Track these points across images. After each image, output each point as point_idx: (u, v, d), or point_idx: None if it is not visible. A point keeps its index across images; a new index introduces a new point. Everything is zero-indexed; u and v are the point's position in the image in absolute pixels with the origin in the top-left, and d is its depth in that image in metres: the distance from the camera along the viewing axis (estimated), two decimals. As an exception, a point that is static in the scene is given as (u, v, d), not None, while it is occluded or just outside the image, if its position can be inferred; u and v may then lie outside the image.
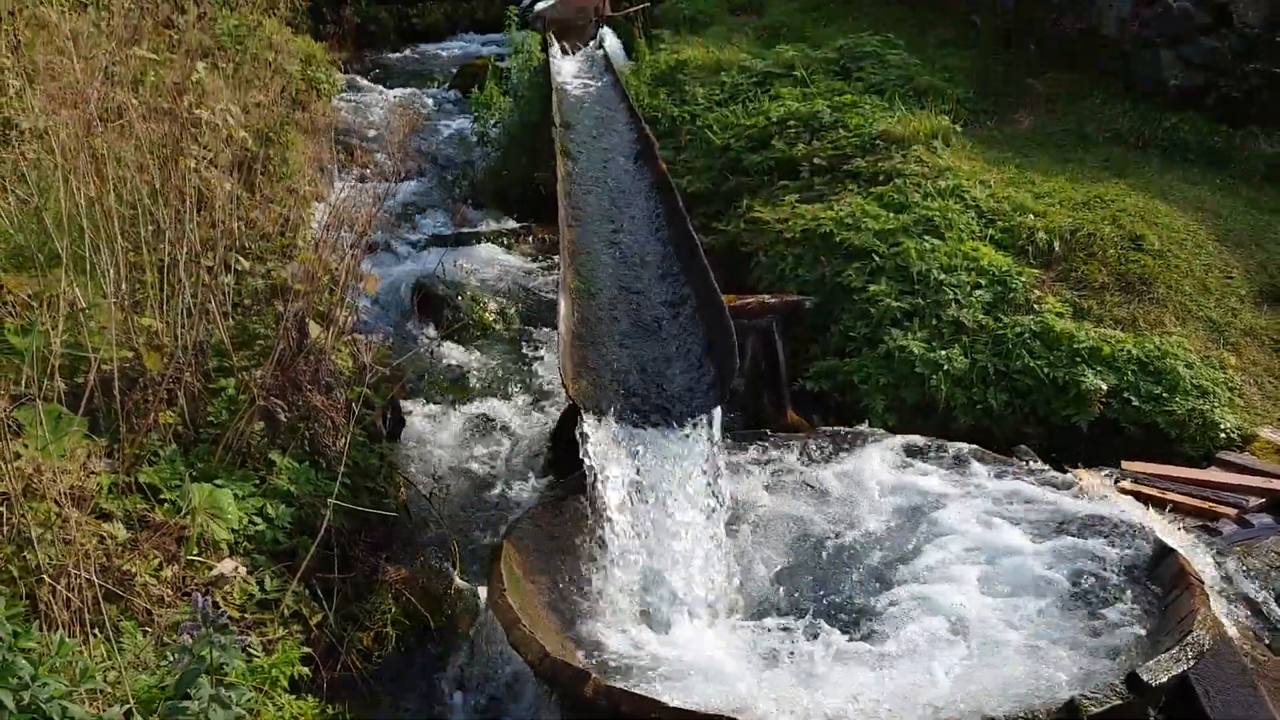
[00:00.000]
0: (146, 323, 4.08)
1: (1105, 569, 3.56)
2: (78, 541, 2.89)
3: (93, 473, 3.24)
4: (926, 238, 5.88)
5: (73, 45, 5.12)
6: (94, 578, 2.82)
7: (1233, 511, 4.26)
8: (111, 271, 3.86)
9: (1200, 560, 3.74)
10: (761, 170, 7.18)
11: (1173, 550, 3.52)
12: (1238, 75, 7.26)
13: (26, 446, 3.20)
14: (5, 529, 2.93)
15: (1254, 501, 4.32)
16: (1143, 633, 3.20)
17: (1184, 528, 4.12)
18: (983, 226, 6.13)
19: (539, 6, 12.40)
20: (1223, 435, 4.86)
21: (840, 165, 6.94)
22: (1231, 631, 3.43)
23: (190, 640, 2.28)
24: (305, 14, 11.93)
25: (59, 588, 2.76)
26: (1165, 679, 2.74)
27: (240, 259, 4.98)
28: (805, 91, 8.15)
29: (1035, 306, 5.44)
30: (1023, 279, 5.60)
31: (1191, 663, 2.86)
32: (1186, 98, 7.50)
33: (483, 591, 4.05)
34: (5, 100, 5.26)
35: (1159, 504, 4.32)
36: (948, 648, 3.31)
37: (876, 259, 5.76)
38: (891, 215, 6.15)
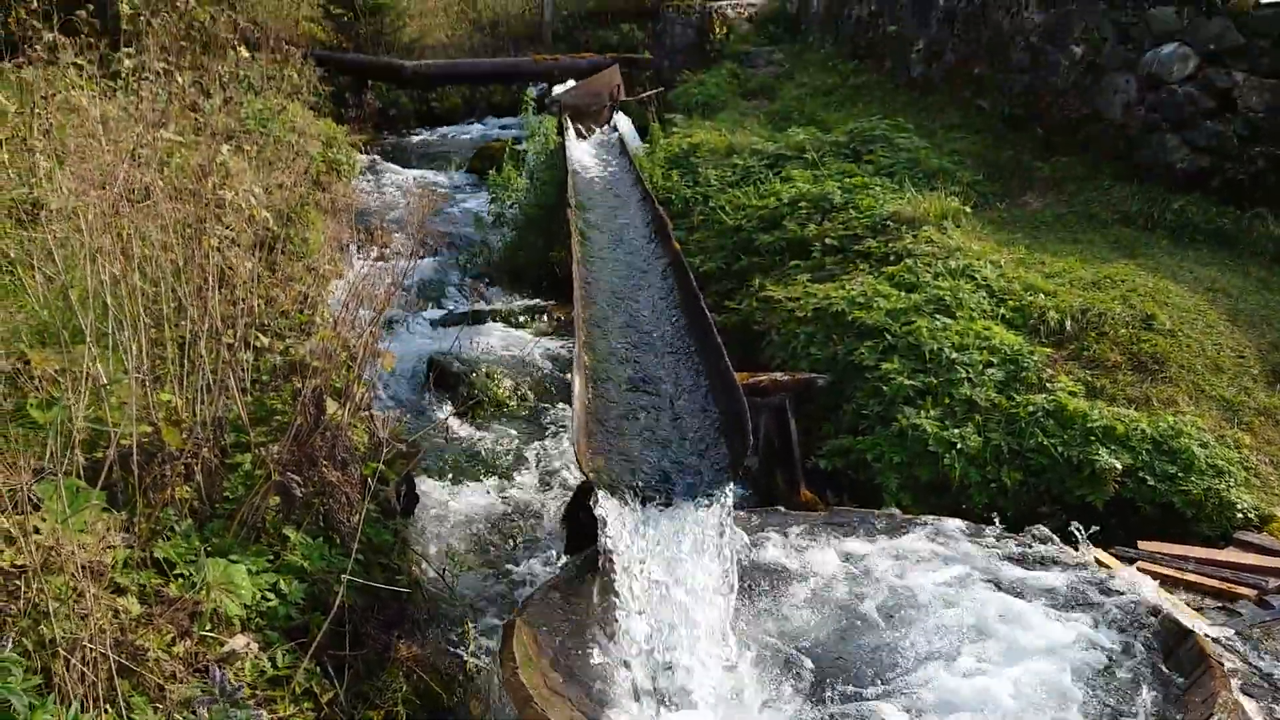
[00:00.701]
0: (166, 398, 4.14)
1: (1123, 651, 3.52)
2: (93, 615, 2.90)
3: (110, 546, 3.26)
4: (938, 316, 5.93)
5: (102, 129, 5.29)
6: (108, 652, 2.82)
7: (1252, 593, 4.21)
8: (133, 348, 3.93)
9: (1220, 642, 3.69)
10: (773, 250, 7.28)
11: (1192, 632, 3.48)
12: (1243, 159, 7.37)
13: (45, 520, 3.23)
14: (22, 602, 2.94)
15: (1273, 582, 4.27)
16: (1164, 717, 3.15)
17: (1203, 609, 4.07)
18: (994, 306, 6.18)
19: (556, 91, 12.70)
20: (1240, 515, 4.82)
21: (851, 245, 7.04)
22: (1254, 716, 3.37)
23: (206, 714, 2.28)
24: (328, 98, 12.26)
25: (74, 661, 2.76)
26: (1187, 763, 2.70)
27: (260, 336, 5.06)
28: (816, 174, 8.30)
29: (1048, 385, 5.46)
30: (1035, 358, 5.62)
31: (1214, 747, 2.82)
32: (1193, 180, 7.61)
33: (495, 670, 4.02)
34: (36, 181, 5.41)
35: (1176, 584, 4.28)
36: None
37: (889, 337, 5.80)
38: (903, 294, 6.21)
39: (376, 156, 12.28)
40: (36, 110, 5.85)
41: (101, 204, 4.46)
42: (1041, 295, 6.22)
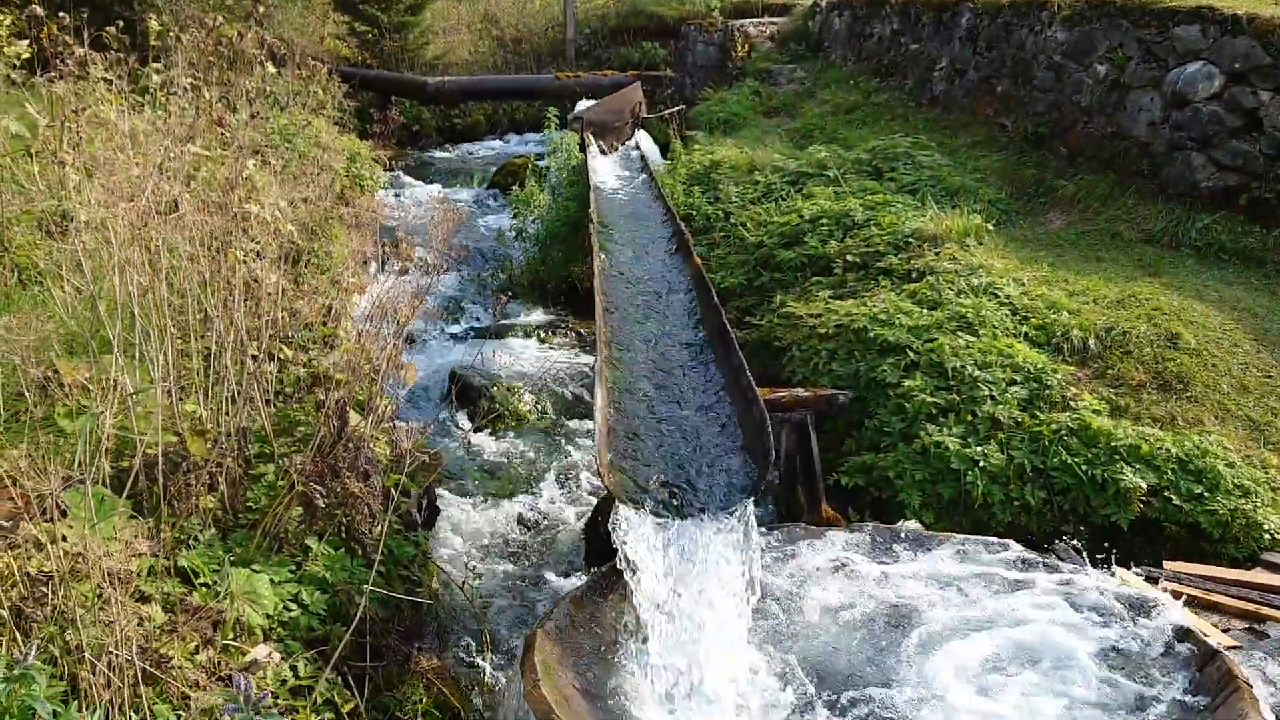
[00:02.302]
0: (191, 408, 4.17)
1: (1150, 671, 3.48)
2: (119, 623, 2.91)
3: (136, 554, 3.28)
4: (961, 334, 5.91)
5: (130, 142, 5.35)
6: (134, 659, 2.84)
7: (1280, 614, 4.16)
8: (160, 358, 3.97)
9: (1248, 664, 3.65)
10: (795, 267, 7.28)
11: (1218, 652, 3.44)
12: (1270, 178, 7.32)
13: (71, 527, 3.26)
14: (49, 609, 2.97)
15: (1302, 604, 4.22)
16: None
17: (1230, 630, 4.03)
18: (1017, 324, 6.16)
19: (578, 108, 12.77)
20: (1267, 536, 4.77)
21: (873, 262, 7.03)
22: (1283, 738, 3.33)
23: (230, 720, 2.29)
24: (352, 114, 12.37)
25: (100, 667, 2.77)
26: (1216, 785, 2.67)
27: (284, 348, 5.10)
28: (838, 191, 8.30)
29: (1071, 404, 5.42)
30: (1058, 376, 5.59)
31: (1243, 769, 2.78)
32: (1218, 199, 7.56)
33: (515, 682, 4.02)
34: (65, 193, 5.48)
35: (1203, 605, 4.23)
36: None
37: (911, 354, 5.79)
38: (925, 311, 6.19)
39: (399, 172, 12.36)
40: (66, 124, 5.93)
41: (130, 216, 4.52)
42: (1065, 313, 6.19)
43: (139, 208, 4.71)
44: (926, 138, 9.69)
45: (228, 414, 4.21)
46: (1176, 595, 4.19)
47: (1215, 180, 7.58)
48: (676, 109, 13.31)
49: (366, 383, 4.81)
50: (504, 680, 4.15)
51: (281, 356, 5.05)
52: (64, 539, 3.12)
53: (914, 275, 6.76)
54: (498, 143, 15.79)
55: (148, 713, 2.86)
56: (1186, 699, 3.34)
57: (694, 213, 8.64)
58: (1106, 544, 4.86)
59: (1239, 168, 7.47)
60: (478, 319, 8.27)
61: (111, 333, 3.88)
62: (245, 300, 4.82)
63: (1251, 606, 4.23)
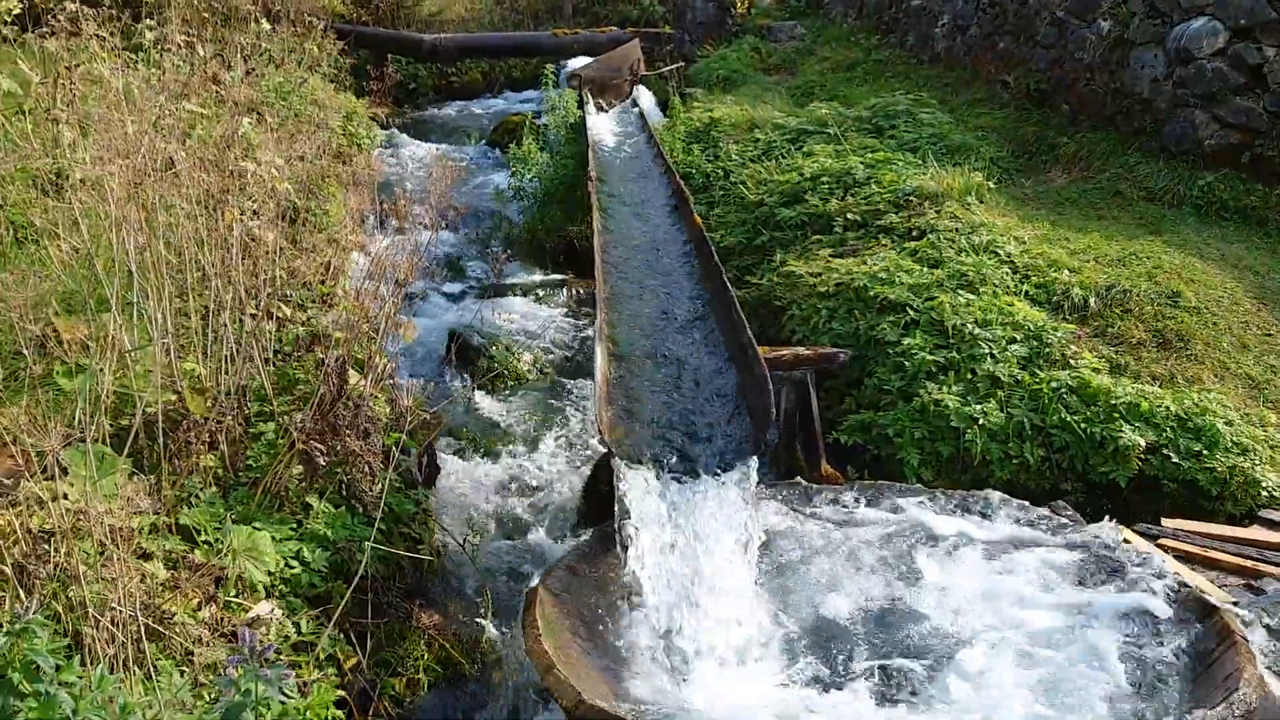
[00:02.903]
0: (190, 367, 4.17)
1: (1146, 626, 3.51)
2: (121, 580, 2.93)
3: (137, 512, 3.28)
4: (961, 292, 5.89)
5: (125, 100, 5.30)
6: (136, 614, 2.85)
7: (1277, 571, 4.18)
8: (158, 317, 3.95)
9: (1244, 619, 3.67)
10: (795, 225, 7.24)
11: (1216, 608, 3.47)
12: (1273, 135, 7.27)
13: (72, 486, 3.26)
14: (51, 566, 2.98)
15: (1298, 561, 4.25)
16: (1188, 692, 3.15)
17: (1227, 586, 4.05)
18: (1017, 282, 6.14)
19: (575, 64, 12.64)
20: (1265, 493, 4.79)
21: (874, 220, 6.99)
22: (1278, 691, 3.36)
23: (235, 674, 2.30)
24: (348, 72, 12.24)
25: (103, 622, 2.79)
26: (1211, 737, 2.69)
27: (282, 306, 5.08)
28: (838, 148, 8.24)
29: (1071, 362, 5.42)
30: (1058, 334, 5.58)
31: (1238, 721, 2.81)
32: (1221, 156, 7.51)
33: (516, 638, 4.05)
34: (60, 152, 5.43)
35: (1201, 562, 4.25)
36: (982, 705, 3.27)
37: (911, 313, 5.77)
38: (926, 270, 6.17)
39: (396, 130, 12.25)
40: (60, 81, 5.86)
41: (125, 174, 4.48)
42: (1065, 271, 6.17)
43: (134, 165, 4.67)
44: (928, 95, 9.60)
45: (227, 373, 4.20)
46: (1174, 552, 4.22)
47: (1218, 138, 7.52)
48: (675, 66, 13.19)
49: (365, 341, 4.80)
50: (505, 636, 4.18)
51: (280, 315, 5.03)
52: (65, 496, 3.13)
53: (914, 233, 6.73)
54: (495, 101, 15.63)
55: (151, 668, 2.88)
56: (1183, 653, 3.37)
57: (693, 171, 8.58)
58: (1104, 502, 4.89)
59: (1242, 125, 7.42)
60: (476, 278, 8.23)
61: (109, 291, 3.87)
62: (243, 259, 4.80)
63: (1248, 563, 4.25)
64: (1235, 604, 3.83)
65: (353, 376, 4.42)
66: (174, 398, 3.91)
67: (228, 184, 5.38)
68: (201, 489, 3.78)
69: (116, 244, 4.06)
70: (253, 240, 5.13)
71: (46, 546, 3.06)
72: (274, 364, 4.58)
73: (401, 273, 5.38)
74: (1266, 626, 3.70)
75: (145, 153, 4.79)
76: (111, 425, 3.60)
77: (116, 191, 4.34)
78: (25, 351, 3.80)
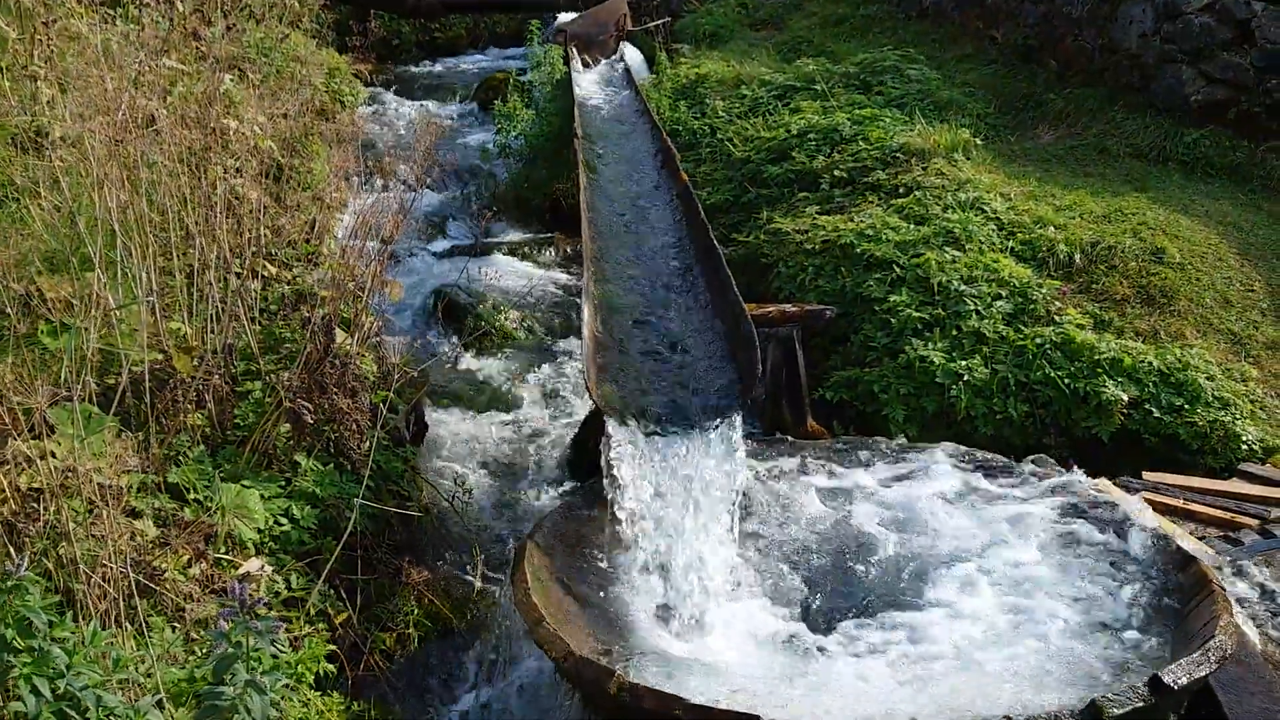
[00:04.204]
0: (175, 326, 4.15)
1: (1126, 575, 3.57)
2: (111, 537, 2.94)
3: (126, 470, 3.29)
4: (947, 249, 5.91)
5: (104, 56, 5.22)
6: (127, 570, 2.87)
7: (1254, 522, 4.25)
8: (142, 275, 3.93)
9: (1222, 569, 3.74)
10: (781, 182, 7.22)
11: (1194, 558, 3.52)
12: (1260, 91, 7.27)
13: (60, 444, 3.26)
14: (40, 523, 2.99)
15: (1276, 512, 4.32)
16: (1165, 638, 3.21)
17: (1205, 537, 4.12)
18: (1003, 239, 6.15)
19: (560, 20, 12.51)
20: (1244, 447, 4.85)
21: (860, 178, 6.98)
22: (1254, 639, 3.43)
23: (227, 626, 2.32)
24: (329, 27, 12.07)
25: (94, 578, 2.81)
26: (1187, 681, 2.75)
27: (267, 265, 5.06)
28: (825, 105, 8.20)
29: (1056, 318, 5.45)
30: (1043, 291, 5.61)
31: (1214, 667, 2.86)
32: (1208, 113, 7.51)
33: (505, 594, 4.09)
34: (39, 109, 5.36)
35: (1180, 514, 4.32)
36: (964, 648, 3.33)
37: (897, 270, 5.79)
38: (912, 227, 6.18)
39: (379, 87, 12.11)
40: (37, 37, 5.77)
41: (106, 131, 4.43)
42: (1051, 228, 6.19)
43: (115, 122, 4.62)
44: (915, 51, 9.53)
45: (213, 332, 4.19)
46: (1154, 504, 4.28)
47: (1204, 94, 7.52)
48: (662, 22, 13.05)
49: (352, 300, 4.79)
50: (495, 591, 4.22)
51: (265, 274, 5.01)
52: (53, 455, 3.13)
53: (901, 190, 6.72)
54: (480, 57, 15.45)
55: (143, 624, 2.91)
56: (1160, 602, 3.43)
57: (680, 128, 8.53)
58: (1087, 456, 4.94)
59: (1229, 81, 7.41)
60: (462, 237, 8.20)
61: (92, 249, 3.84)
62: (227, 217, 4.77)
63: (1227, 515, 4.32)
64: (1213, 554, 3.90)
65: (339, 335, 4.41)
66: (160, 357, 3.90)
67: (210, 141, 5.33)
68: (189, 448, 3.78)
69: (99, 202, 4.03)
70: (236, 199, 5.09)
71: (35, 504, 3.07)
72: (260, 323, 4.57)
73: (387, 231, 5.35)
74: (1242, 574, 3.77)
75: (126, 110, 4.74)
76: (98, 384, 3.59)
77: (98, 149, 4.30)
78: (9, 310, 3.78)
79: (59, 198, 4.43)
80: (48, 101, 5.32)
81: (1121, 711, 2.64)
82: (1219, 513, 4.33)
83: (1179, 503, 4.39)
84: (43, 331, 3.77)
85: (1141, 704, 2.68)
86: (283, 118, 6.79)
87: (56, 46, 5.76)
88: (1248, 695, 3.13)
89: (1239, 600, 3.62)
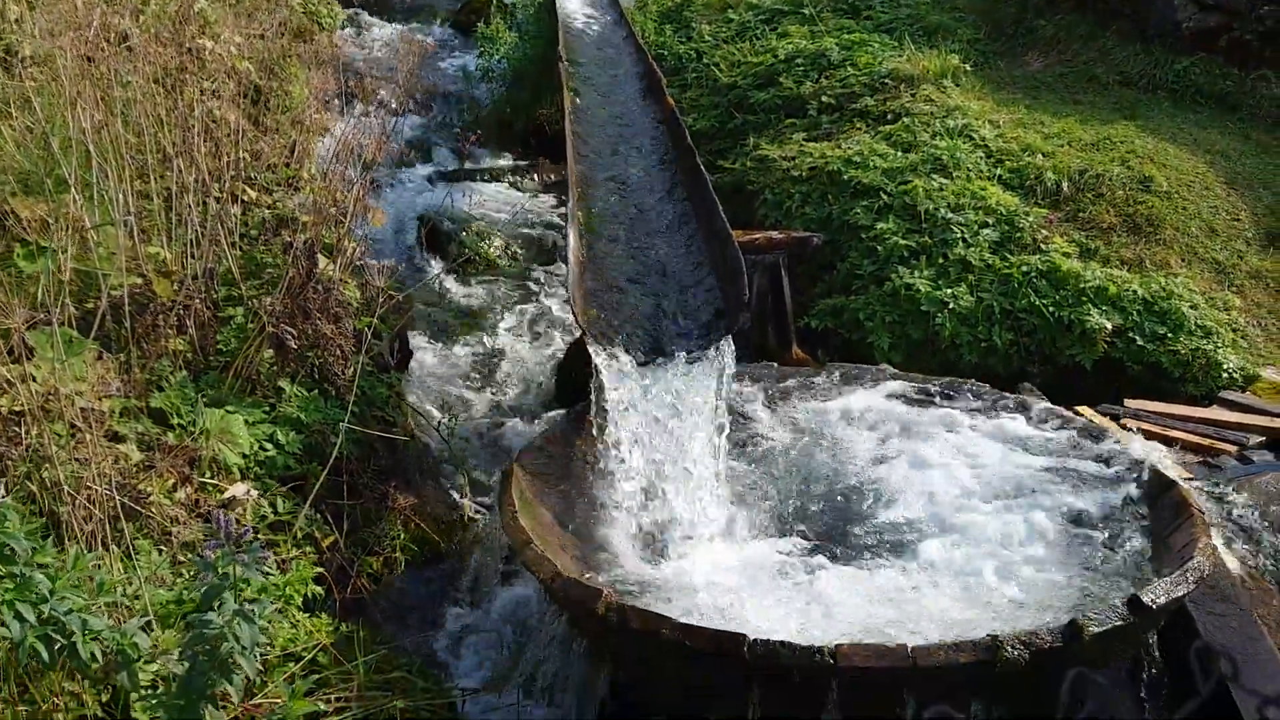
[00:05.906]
0: (154, 251, 4.09)
1: (1108, 498, 3.61)
2: (94, 460, 2.92)
3: (107, 395, 3.26)
4: (934, 176, 5.86)
5: (73, -29, 5.06)
6: (112, 493, 2.85)
7: (1233, 449, 4.30)
8: (119, 197, 3.86)
9: (1201, 493, 3.79)
10: (768, 108, 7.13)
11: (1174, 483, 3.56)
12: (1252, 18, 7.18)
13: (39, 368, 3.22)
14: (22, 447, 2.96)
15: (1255, 439, 4.36)
16: (1144, 560, 3.26)
17: (1185, 463, 4.16)
18: (991, 166, 6.11)
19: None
20: (1225, 375, 4.89)
21: (848, 104, 6.90)
22: (1230, 562, 3.48)
23: (213, 556, 2.32)
24: (306, -54, 11.74)
25: (79, 499, 2.79)
26: (1165, 601, 2.79)
27: (247, 189, 4.97)
28: (814, 29, 8.07)
29: (1042, 246, 5.44)
30: (1030, 219, 5.59)
31: (1192, 587, 2.91)
32: (1199, 40, 7.42)
33: (491, 518, 4.10)
34: (5, 26, 5.21)
35: (1161, 440, 4.36)
36: (948, 570, 3.37)
37: (884, 197, 5.75)
38: (900, 154, 6.13)
39: (358, 8, 11.83)
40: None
41: (77, 48, 4.32)
42: (1039, 156, 6.14)
43: (86, 39, 4.50)
44: (905, -27, 9.36)
45: (193, 256, 4.12)
46: (1135, 430, 4.32)
47: (1197, 20, 7.43)
48: (647, -57, 12.74)
49: (334, 225, 4.72)
50: (482, 515, 4.23)
51: (245, 198, 4.92)
52: (33, 379, 3.10)
53: (889, 117, 6.65)
54: (461, -21, 15.10)
55: (130, 546, 2.90)
56: (1141, 525, 3.47)
57: (665, 52, 8.39)
58: (1070, 384, 4.96)
59: (1222, 7, 7.32)
60: (445, 162, 8.08)
61: (67, 170, 3.76)
62: (205, 140, 4.67)
63: (1206, 441, 4.37)
64: (1192, 479, 3.95)
65: (321, 261, 4.36)
66: (140, 281, 3.85)
67: (186, 62, 5.21)
68: (171, 373, 3.75)
69: (73, 122, 3.93)
70: (214, 121, 4.98)
71: (17, 428, 3.04)
72: (240, 248, 4.51)
73: (369, 155, 5.27)
74: (1219, 499, 3.82)
75: (97, 26, 4.61)
76: (77, 309, 3.54)
77: (69, 67, 4.18)
78: (-17, 232, 3.71)
79: (31, 118, 4.32)
80: (15, 20, 5.18)
81: (1101, 630, 2.68)
82: (1199, 439, 4.37)
83: (1160, 429, 4.42)
84: (18, 254, 3.71)
85: (1120, 622, 2.72)
86: (259, 38, 6.64)
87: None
88: (1223, 616, 3.19)
89: (1217, 524, 3.67)
